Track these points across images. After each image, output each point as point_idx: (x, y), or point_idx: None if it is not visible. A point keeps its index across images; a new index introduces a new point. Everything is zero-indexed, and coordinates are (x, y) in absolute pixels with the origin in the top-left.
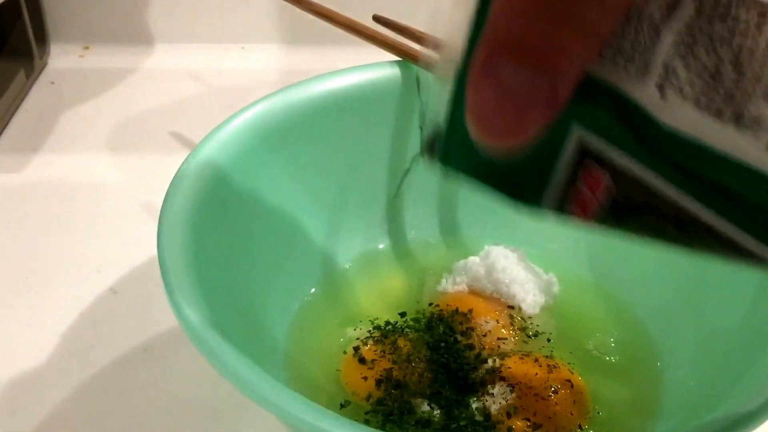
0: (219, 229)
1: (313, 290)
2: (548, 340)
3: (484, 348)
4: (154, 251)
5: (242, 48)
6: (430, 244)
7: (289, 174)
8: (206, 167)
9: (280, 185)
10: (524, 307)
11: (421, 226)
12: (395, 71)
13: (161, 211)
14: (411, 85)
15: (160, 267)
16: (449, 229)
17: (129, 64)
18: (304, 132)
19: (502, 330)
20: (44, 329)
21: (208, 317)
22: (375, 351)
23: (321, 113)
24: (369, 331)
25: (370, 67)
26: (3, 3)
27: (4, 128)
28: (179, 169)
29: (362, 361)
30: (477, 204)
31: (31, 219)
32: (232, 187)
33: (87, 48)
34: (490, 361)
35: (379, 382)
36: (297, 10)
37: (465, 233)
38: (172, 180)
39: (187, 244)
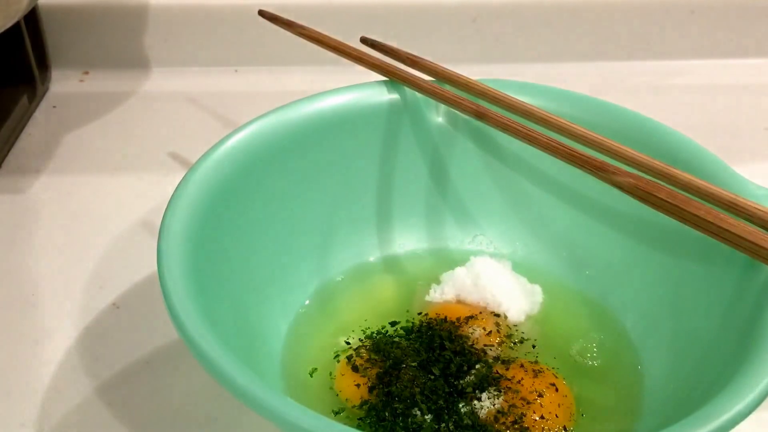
0: (216, 245)
1: (307, 302)
2: (533, 347)
3: (472, 354)
4: (155, 267)
5: (236, 71)
6: (419, 256)
7: (283, 191)
8: (203, 186)
9: (274, 202)
10: (509, 315)
11: (409, 239)
12: (383, 90)
13: (160, 228)
14: (398, 103)
15: (160, 282)
16: (437, 241)
17: (127, 88)
18: (297, 150)
19: (489, 337)
20: (50, 344)
21: (206, 330)
22: (367, 359)
23: (312, 132)
24: (361, 340)
25: (359, 87)
26: (5, 31)
27: (8, 151)
28: (177, 188)
29: (355, 369)
30: (463, 217)
31: (35, 238)
32: (228, 204)
33: (87, 73)
34: (478, 367)
35: (371, 389)
36: (288, 34)
37: (452, 245)
38: (170, 199)
39: (185, 260)
